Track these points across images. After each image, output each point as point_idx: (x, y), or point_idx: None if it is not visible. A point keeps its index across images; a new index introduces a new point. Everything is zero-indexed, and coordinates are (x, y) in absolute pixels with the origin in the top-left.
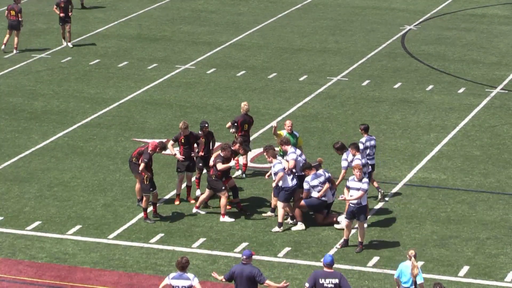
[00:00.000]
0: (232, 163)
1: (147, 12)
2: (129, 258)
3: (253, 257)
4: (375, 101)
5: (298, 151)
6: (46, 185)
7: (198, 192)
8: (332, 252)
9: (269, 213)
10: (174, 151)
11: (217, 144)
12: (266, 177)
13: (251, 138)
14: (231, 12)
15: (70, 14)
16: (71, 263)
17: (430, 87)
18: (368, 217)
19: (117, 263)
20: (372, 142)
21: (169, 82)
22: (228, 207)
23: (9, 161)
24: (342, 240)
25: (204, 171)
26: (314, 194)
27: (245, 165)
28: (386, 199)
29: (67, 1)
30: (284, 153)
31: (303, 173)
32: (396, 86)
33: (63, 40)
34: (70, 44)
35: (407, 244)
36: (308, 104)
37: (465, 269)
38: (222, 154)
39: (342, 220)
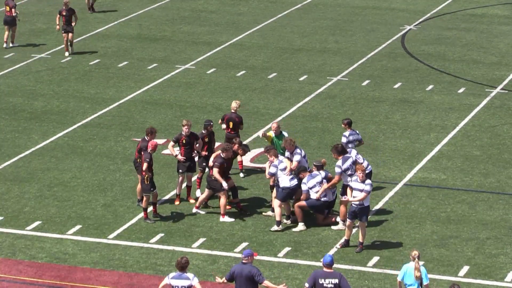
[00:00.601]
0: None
1: (147, 12)
2: (129, 258)
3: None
4: (375, 101)
5: (303, 152)
6: (46, 185)
7: (198, 192)
8: (332, 252)
9: (269, 213)
10: (174, 152)
11: (217, 144)
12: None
13: (251, 138)
14: (231, 12)
15: (73, 24)
16: (71, 263)
17: (430, 87)
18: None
19: (117, 263)
20: (355, 137)
21: (169, 82)
22: (228, 207)
23: (9, 161)
24: (343, 240)
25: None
26: (313, 195)
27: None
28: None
29: (69, 9)
30: (283, 151)
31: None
32: (396, 86)
33: (66, 52)
34: (66, 53)
35: (407, 244)
36: (308, 104)
37: (465, 269)
38: (223, 155)
39: (340, 222)
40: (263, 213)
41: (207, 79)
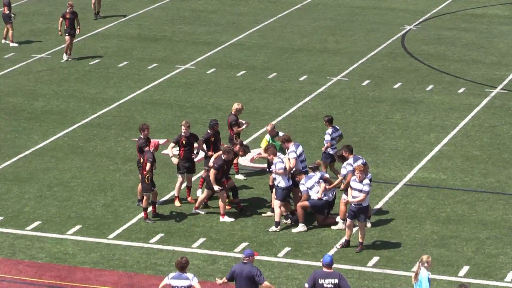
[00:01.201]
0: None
1: (147, 12)
2: (129, 258)
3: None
4: (375, 101)
5: (300, 149)
6: (46, 185)
7: (199, 192)
8: (332, 252)
9: (269, 213)
10: (172, 152)
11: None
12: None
13: (251, 138)
14: (231, 12)
15: (78, 28)
16: (71, 263)
17: (430, 87)
18: (370, 217)
19: (117, 263)
20: (337, 133)
21: (169, 82)
22: (228, 207)
23: (9, 161)
24: (343, 240)
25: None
26: (314, 195)
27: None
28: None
29: (72, 12)
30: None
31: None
32: (396, 86)
33: (64, 54)
34: (65, 56)
35: (407, 244)
36: (308, 104)
37: (465, 269)
38: (224, 157)
39: (340, 221)
40: (263, 214)
41: (207, 79)
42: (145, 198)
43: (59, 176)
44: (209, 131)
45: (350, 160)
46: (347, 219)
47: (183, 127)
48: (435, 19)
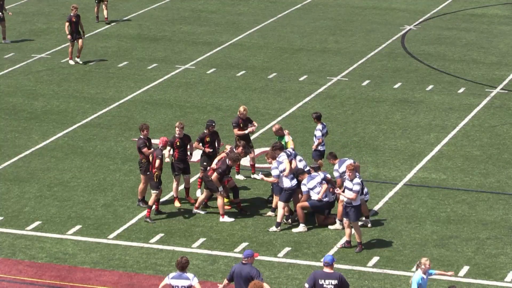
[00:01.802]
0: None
1: (147, 12)
2: (129, 258)
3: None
4: (375, 101)
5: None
6: (46, 185)
7: (198, 192)
8: (332, 252)
9: (269, 213)
10: (168, 153)
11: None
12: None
13: (251, 138)
14: (231, 12)
15: (84, 32)
16: (71, 263)
17: (430, 87)
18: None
19: (117, 263)
20: (325, 129)
21: (169, 82)
22: (228, 207)
23: (9, 161)
24: (343, 241)
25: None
26: (314, 196)
27: (253, 165)
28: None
29: (77, 16)
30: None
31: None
32: (396, 86)
33: (70, 60)
34: (79, 60)
35: (407, 244)
36: (308, 104)
37: (465, 269)
38: (229, 163)
39: (337, 221)
40: (264, 214)
41: (207, 79)
42: (153, 196)
43: (59, 176)
44: (205, 131)
45: (336, 166)
46: (344, 218)
47: (177, 129)
48: (435, 19)
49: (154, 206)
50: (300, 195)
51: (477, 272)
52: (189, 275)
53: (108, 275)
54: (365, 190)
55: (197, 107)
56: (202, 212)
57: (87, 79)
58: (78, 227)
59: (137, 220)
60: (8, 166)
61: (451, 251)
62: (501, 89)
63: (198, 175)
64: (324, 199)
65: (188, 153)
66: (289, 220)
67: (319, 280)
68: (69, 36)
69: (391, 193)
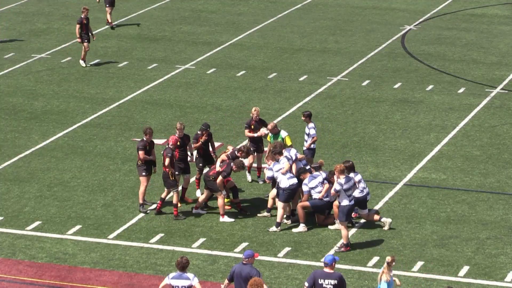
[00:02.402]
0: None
1: (147, 12)
2: (129, 258)
3: None
4: (375, 101)
5: (293, 152)
6: (46, 185)
7: (198, 192)
8: (332, 252)
9: (264, 213)
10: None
11: (216, 144)
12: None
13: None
14: (231, 12)
15: (93, 34)
16: (71, 263)
17: (430, 87)
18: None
19: (117, 263)
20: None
21: (169, 82)
22: (228, 207)
23: (9, 161)
24: (342, 242)
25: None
26: (315, 195)
27: (259, 168)
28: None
29: (87, 18)
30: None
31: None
32: (396, 86)
33: (82, 61)
34: (82, 63)
35: (407, 244)
36: (308, 104)
37: (465, 269)
38: (233, 168)
39: (336, 221)
40: (258, 214)
41: (207, 79)
42: (174, 195)
43: (59, 176)
44: (198, 132)
45: (306, 181)
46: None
47: (178, 129)
48: (435, 19)
49: (178, 204)
50: (301, 195)
51: (477, 272)
52: (189, 275)
53: (108, 275)
54: (366, 190)
55: (197, 107)
56: (203, 212)
57: (87, 79)
58: (78, 227)
59: (137, 220)
60: (8, 166)
61: (451, 251)
62: (501, 89)
63: (195, 176)
64: (325, 199)
65: (189, 153)
66: (289, 221)
67: (319, 280)
68: (79, 40)
69: (391, 193)
